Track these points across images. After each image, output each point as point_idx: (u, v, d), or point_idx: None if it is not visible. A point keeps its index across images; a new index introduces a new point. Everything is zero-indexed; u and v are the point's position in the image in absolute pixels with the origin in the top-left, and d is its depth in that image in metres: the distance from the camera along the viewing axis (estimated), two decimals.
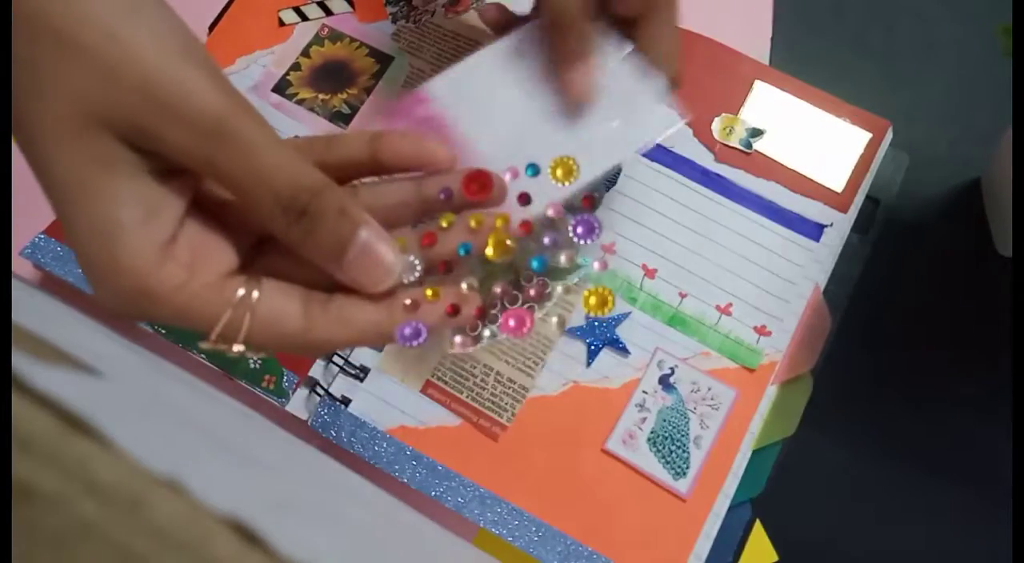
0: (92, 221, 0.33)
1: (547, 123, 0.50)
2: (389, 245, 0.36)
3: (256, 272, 0.37)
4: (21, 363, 0.22)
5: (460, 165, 0.40)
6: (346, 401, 0.56)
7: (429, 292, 0.37)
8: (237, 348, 0.35)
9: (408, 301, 0.37)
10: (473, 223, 0.38)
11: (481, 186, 0.39)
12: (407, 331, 0.37)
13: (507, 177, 0.40)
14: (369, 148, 0.39)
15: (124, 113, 0.32)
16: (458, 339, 0.39)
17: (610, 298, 0.39)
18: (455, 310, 0.38)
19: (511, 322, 0.38)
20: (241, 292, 0.35)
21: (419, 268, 0.38)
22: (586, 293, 0.39)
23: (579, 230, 0.39)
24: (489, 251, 0.39)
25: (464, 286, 0.39)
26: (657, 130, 0.51)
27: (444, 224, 0.38)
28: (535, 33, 0.53)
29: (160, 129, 0.32)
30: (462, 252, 0.38)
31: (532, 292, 0.41)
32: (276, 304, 0.36)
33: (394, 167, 0.39)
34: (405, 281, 0.37)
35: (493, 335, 0.39)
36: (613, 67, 0.51)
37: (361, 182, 0.40)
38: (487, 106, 0.51)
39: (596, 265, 0.40)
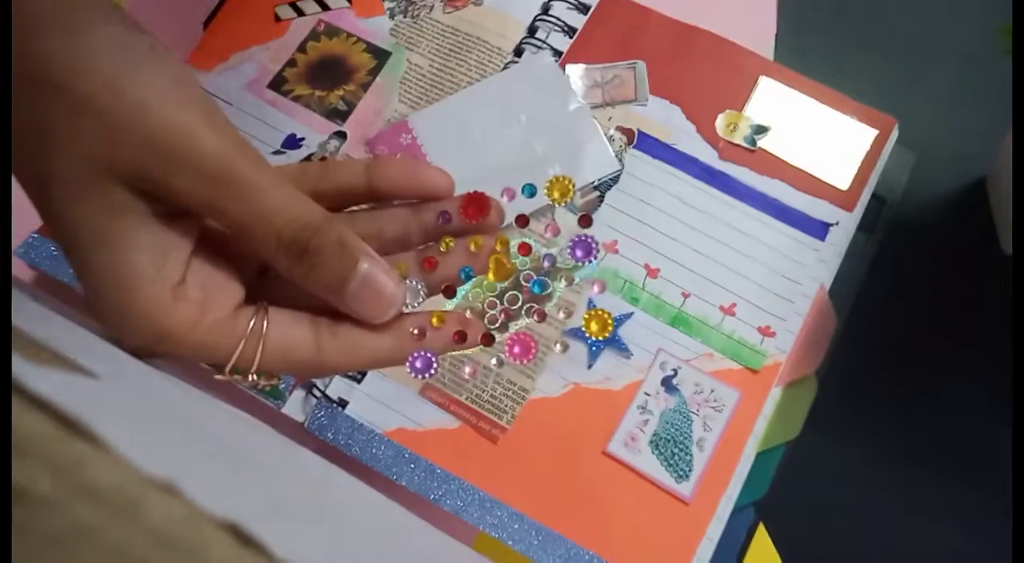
0: (106, 269, 0.34)
1: (503, 158, 0.60)
2: (390, 275, 0.36)
3: (263, 300, 0.38)
4: (16, 365, 0.22)
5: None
6: (343, 403, 0.55)
7: (435, 319, 0.38)
8: (251, 378, 0.36)
9: (415, 331, 0.37)
10: (473, 247, 0.39)
11: (479, 208, 0.39)
12: (419, 364, 0.37)
13: (504, 200, 0.40)
14: (365, 175, 0.39)
15: (131, 164, 0.33)
16: (468, 370, 0.40)
17: (609, 321, 0.39)
18: (461, 337, 0.38)
19: (516, 349, 0.39)
20: (252, 324, 0.36)
21: (423, 293, 0.38)
22: (586, 317, 0.39)
23: (577, 253, 0.39)
24: (491, 275, 0.39)
25: (468, 313, 0.39)
26: (596, 172, 0.61)
27: (443, 249, 0.39)
28: (507, 80, 0.63)
29: (166, 177, 0.33)
30: (463, 276, 0.39)
31: (535, 315, 0.42)
32: (286, 332, 0.37)
33: (391, 195, 0.40)
34: (411, 306, 0.38)
35: (501, 363, 0.39)
36: (566, 114, 0.62)
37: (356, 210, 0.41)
38: (455, 142, 0.61)
39: (596, 288, 0.41)
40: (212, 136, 0.34)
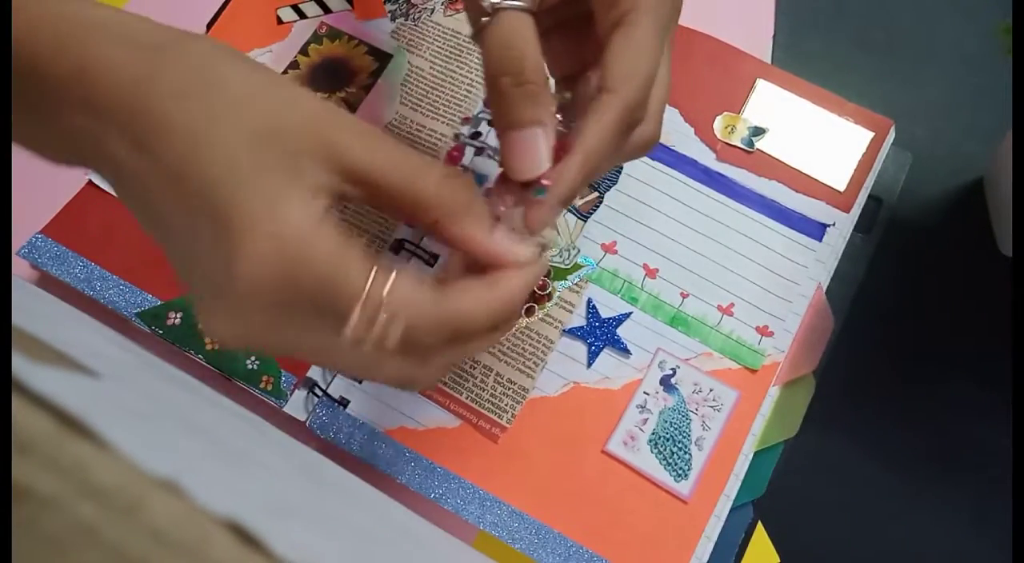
0: (248, 178, 0.34)
1: None
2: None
3: None
4: (18, 364, 0.22)
5: None
6: (344, 402, 0.55)
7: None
8: (379, 324, 0.35)
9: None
10: None
11: None
12: None
13: None
14: None
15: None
16: None
17: None
18: None
19: None
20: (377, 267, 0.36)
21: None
22: None
23: None
24: None
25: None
26: None
27: None
28: None
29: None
30: None
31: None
32: (412, 273, 0.36)
33: None
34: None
35: None
36: None
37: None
38: None
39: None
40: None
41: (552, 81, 0.46)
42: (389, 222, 0.60)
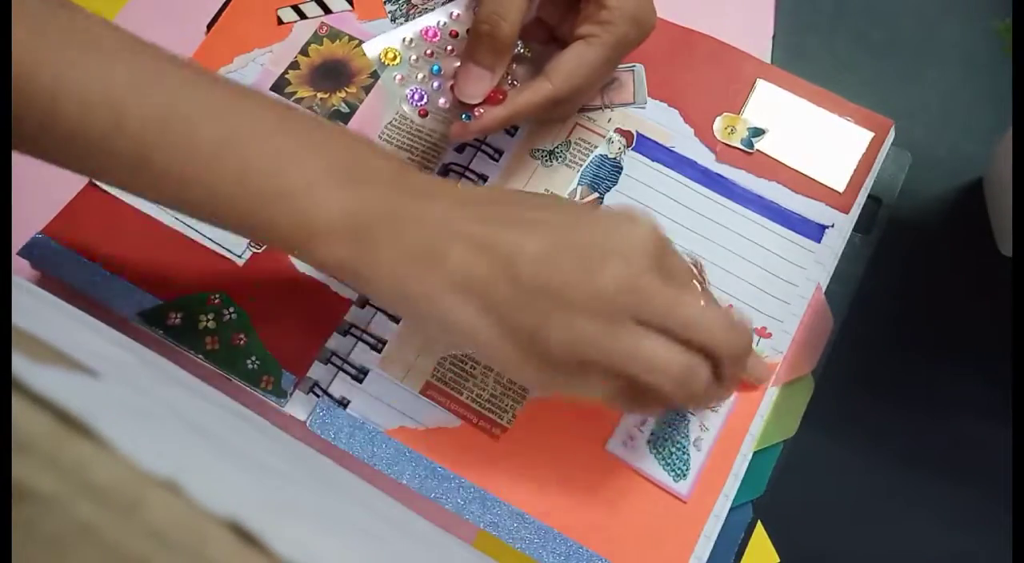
0: None
1: None
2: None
3: None
4: (18, 363, 0.22)
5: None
6: (345, 402, 0.55)
7: None
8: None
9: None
10: None
11: None
12: (416, 95, 0.60)
13: None
14: None
15: None
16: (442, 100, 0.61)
17: None
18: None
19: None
20: None
21: None
22: None
23: None
24: None
25: None
26: None
27: None
28: None
29: None
30: None
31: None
32: None
33: None
34: None
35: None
36: None
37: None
38: None
39: None
40: None
41: (520, 43, 0.60)
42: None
